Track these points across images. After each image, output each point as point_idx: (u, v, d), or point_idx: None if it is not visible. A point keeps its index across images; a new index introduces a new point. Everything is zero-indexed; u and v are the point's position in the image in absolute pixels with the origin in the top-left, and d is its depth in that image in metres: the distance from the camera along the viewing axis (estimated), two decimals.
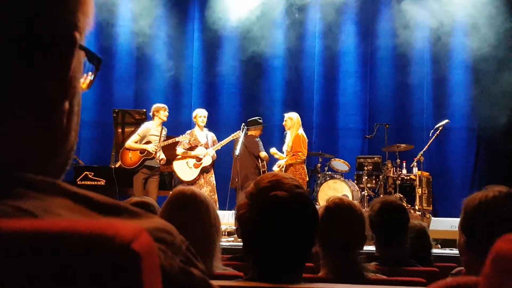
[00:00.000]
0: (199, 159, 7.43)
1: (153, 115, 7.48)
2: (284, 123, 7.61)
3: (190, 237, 1.02)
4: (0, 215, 0.48)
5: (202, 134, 7.58)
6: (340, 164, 8.58)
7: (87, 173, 7.72)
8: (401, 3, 9.45)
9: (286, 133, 7.70)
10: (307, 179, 7.86)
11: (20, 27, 0.54)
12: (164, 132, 7.55)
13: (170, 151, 7.62)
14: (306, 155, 7.59)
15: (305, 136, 7.56)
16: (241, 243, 1.60)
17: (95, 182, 7.67)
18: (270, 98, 9.99)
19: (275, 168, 7.52)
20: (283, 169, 7.46)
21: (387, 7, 9.87)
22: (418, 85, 9.81)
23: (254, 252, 1.54)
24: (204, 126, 7.63)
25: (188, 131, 7.62)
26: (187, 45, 10.24)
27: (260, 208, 1.49)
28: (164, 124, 7.51)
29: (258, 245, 1.51)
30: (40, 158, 0.58)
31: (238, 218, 1.56)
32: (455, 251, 5.73)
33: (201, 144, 7.50)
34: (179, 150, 7.50)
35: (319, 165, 8.55)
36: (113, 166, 7.82)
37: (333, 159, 8.62)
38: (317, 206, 1.88)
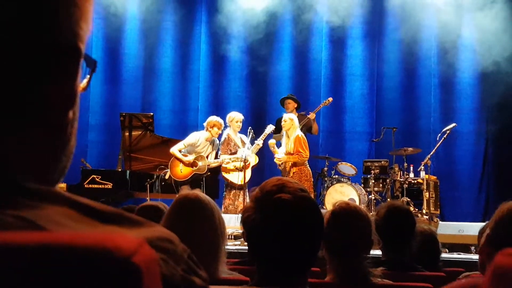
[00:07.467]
0: (246, 160, 7.43)
1: (206, 128, 7.52)
2: (282, 123, 7.59)
3: (194, 242, 1.01)
4: (0, 225, 0.48)
5: (237, 138, 7.69)
6: (347, 168, 8.56)
7: (95, 176, 7.73)
8: (408, 6, 9.42)
9: (282, 134, 7.69)
10: (312, 179, 7.83)
11: (26, 38, 0.54)
12: (215, 149, 7.63)
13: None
14: (309, 156, 7.59)
15: (304, 137, 7.60)
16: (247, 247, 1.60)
17: (103, 186, 7.68)
18: (277, 101, 9.97)
19: (275, 161, 7.58)
20: (284, 165, 7.49)
21: (394, 9, 9.84)
22: (426, 88, 9.78)
23: (259, 256, 1.54)
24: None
25: (222, 139, 7.64)
26: (194, 49, 10.26)
27: (264, 211, 1.49)
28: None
29: (263, 249, 1.51)
30: (43, 166, 0.59)
31: (243, 222, 1.56)
32: (463, 256, 5.69)
33: (239, 147, 7.60)
34: (224, 157, 7.55)
35: (326, 168, 8.52)
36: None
37: (340, 162, 8.61)
38: (323, 210, 1.88)
